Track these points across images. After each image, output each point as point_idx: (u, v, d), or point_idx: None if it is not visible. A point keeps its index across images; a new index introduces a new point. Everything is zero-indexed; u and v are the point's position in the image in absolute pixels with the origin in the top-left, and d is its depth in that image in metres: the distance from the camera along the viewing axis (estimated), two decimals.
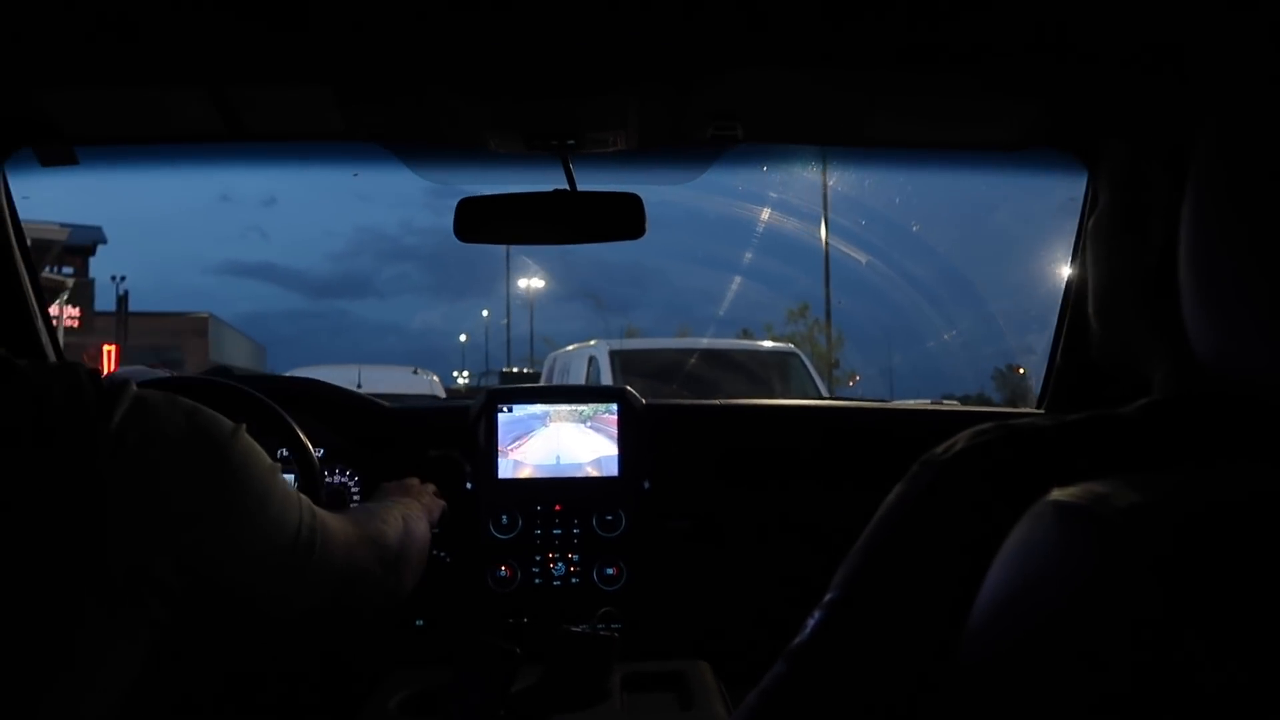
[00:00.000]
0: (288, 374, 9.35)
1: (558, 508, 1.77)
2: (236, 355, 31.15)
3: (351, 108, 1.28)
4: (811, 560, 1.34)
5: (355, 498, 1.74)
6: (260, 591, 0.68)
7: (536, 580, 1.74)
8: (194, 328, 27.81)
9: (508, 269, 29.20)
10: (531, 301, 31.91)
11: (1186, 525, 0.40)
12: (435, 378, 10.88)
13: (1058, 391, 1.71)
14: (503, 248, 28.67)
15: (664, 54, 1.07)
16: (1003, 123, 1.26)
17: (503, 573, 1.74)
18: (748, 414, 2.03)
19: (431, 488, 1.38)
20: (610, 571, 1.74)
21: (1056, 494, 0.44)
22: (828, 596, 0.61)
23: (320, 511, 0.78)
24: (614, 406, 1.79)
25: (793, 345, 10.35)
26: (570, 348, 9.55)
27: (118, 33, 1.01)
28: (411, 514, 1.14)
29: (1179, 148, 0.55)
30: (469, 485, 1.74)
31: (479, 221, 1.50)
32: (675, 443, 1.82)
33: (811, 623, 0.60)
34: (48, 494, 0.57)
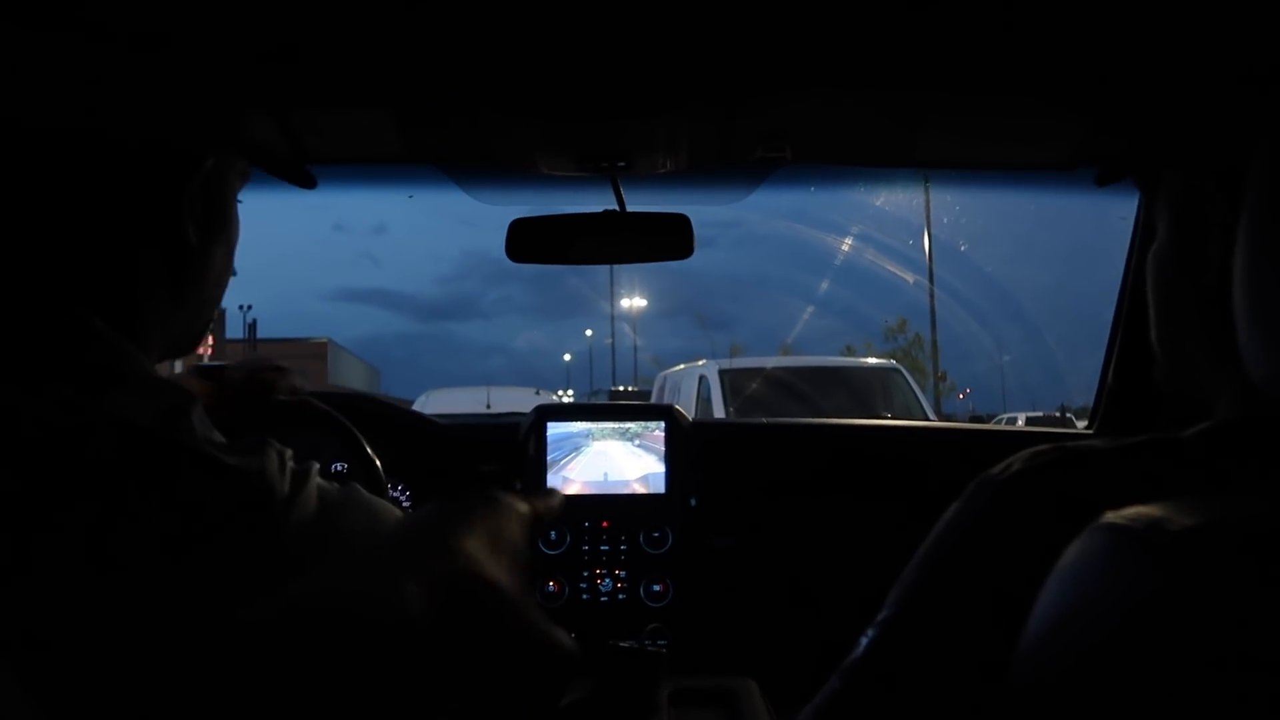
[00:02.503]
0: (420, 399, 9.50)
1: (605, 524, 1.78)
2: (353, 378, 32.48)
3: (409, 130, 1.31)
4: (857, 579, 1.34)
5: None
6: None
7: (584, 596, 1.75)
8: (314, 352, 29.51)
9: (612, 288, 29.21)
10: (634, 320, 31.86)
11: (1241, 550, 0.40)
12: (560, 396, 11.05)
13: (1109, 413, 1.69)
14: (606, 268, 28.96)
15: (715, 76, 1.09)
16: (1053, 144, 1.26)
17: (551, 588, 1.75)
18: (793, 432, 2.03)
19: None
20: (657, 588, 1.75)
21: (1110, 516, 0.45)
22: (882, 614, 0.62)
23: None
24: (661, 424, 1.80)
25: (894, 361, 10.26)
26: (680, 367, 9.82)
27: (187, 60, 1.05)
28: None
29: (1234, 171, 0.55)
30: None
31: (530, 242, 1.53)
32: (722, 460, 1.83)
33: (865, 640, 0.61)
34: (233, 580, 0.56)
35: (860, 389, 7.87)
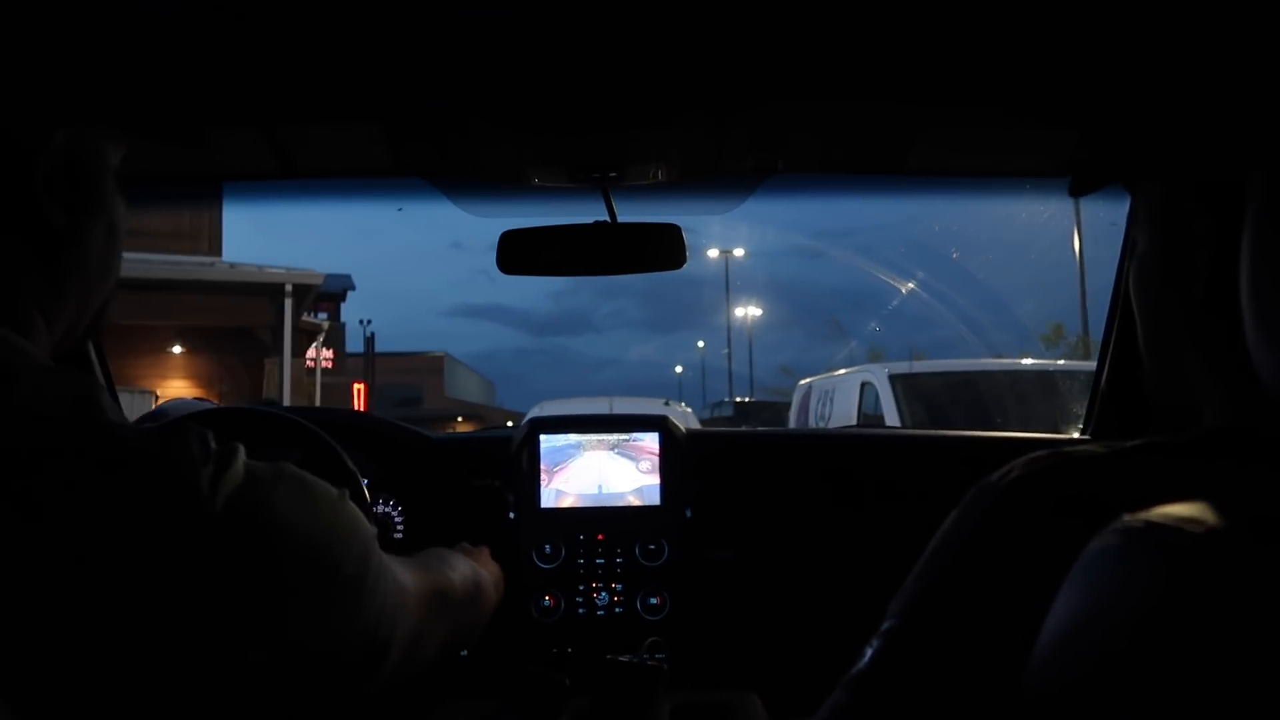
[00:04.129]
0: (534, 410, 8.89)
1: (600, 537, 1.77)
2: (469, 390, 32.84)
3: (398, 144, 1.31)
4: (857, 590, 1.34)
5: (399, 529, 1.75)
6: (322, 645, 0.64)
7: (580, 610, 1.74)
8: (431, 366, 30.00)
9: (728, 296, 28.70)
10: (750, 330, 31.13)
11: (1257, 549, 0.40)
12: (689, 410, 10.09)
13: (1103, 419, 1.69)
14: (722, 278, 28.52)
15: (707, 87, 1.09)
16: (1043, 152, 1.26)
17: (546, 602, 1.74)
18: (788, 442, 2.03)
19: (485, 551, 1.29)
20: (654, 601, 1.74)
21: (1126, 519, 0.44)
22: (885, 625, 0.61)
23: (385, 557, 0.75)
24: (655, 435, 1.80)
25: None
26: (840, 372, 8.74)
27: (172, 75, 1.04)
28: (481, 570, 1.09)
29: (1219, 181, 0.55)
30: (511, 515, 1.75)
31: (522, 253, 1.52)
32: (717, 472, 1.82)
33: (870, 651, 0.60)
34: (163, 567, 0.56)
35: (1065, 396, 6.56)
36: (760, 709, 1.38)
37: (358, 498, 1.35)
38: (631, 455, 1.80)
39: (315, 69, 1.07)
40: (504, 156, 1.34)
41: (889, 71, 1.05)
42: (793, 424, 9.70)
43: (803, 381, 9.92)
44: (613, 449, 1.81)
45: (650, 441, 1.80)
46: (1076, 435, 1.83)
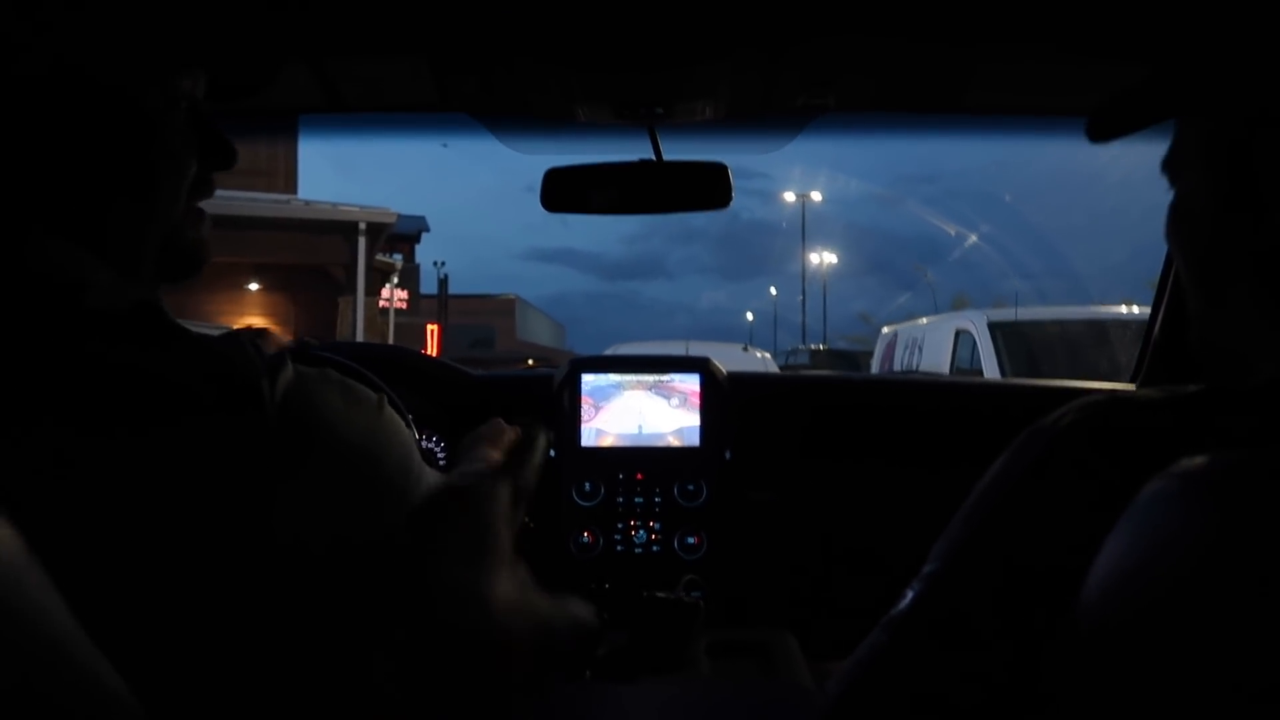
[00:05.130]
0: (610, 351, 8.63)
1: (639, 476, 1.78)
2: (540, 333, 33.21)
3: (444, 78, 1.30)
4: (896, 534, 1.34)
5: (441, 461, 1.78)
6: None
7: (619, 548, 1.76)
8: (503, 308, 30.27)
9: (804, 243, 28.36)
10: (825, 277, 30.41)
11: None
12: (767, 355, 9.78)
13: (1153, 367, 1.66)
14: (798, 222, 28.10)
15: (757, 22, 1.06)
16: (1103, 90, 1.22)
17: (585, 539, 1.76)
18: (830, 386, 2.02)
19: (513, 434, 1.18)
20: (692, 540, 1.76)
21: (1184, 463, 0.44)
22: (927, 568, 0.61)
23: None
24: (696, 377, 1.80)
25: None
26: (924, 320, 8.40)
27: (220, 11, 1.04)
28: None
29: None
30: (552, 453, 1.77)
31: (566, 191, 1.51)
32: (757, 415, 1.82)
33: (911, 594, 0.60)
34: (227, 461, 0.58)
35: None
36: (795, 648, 1.40)
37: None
38: (670, 397, 1.81)
39: (360, 2, 1.06)
40: (550, 93, 1.32)
41: (943, 6, 1.02)
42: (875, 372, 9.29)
43: (886, 329, 9.48)
44: (653, 389, 1.81)
45: (690, 383, 1.80)
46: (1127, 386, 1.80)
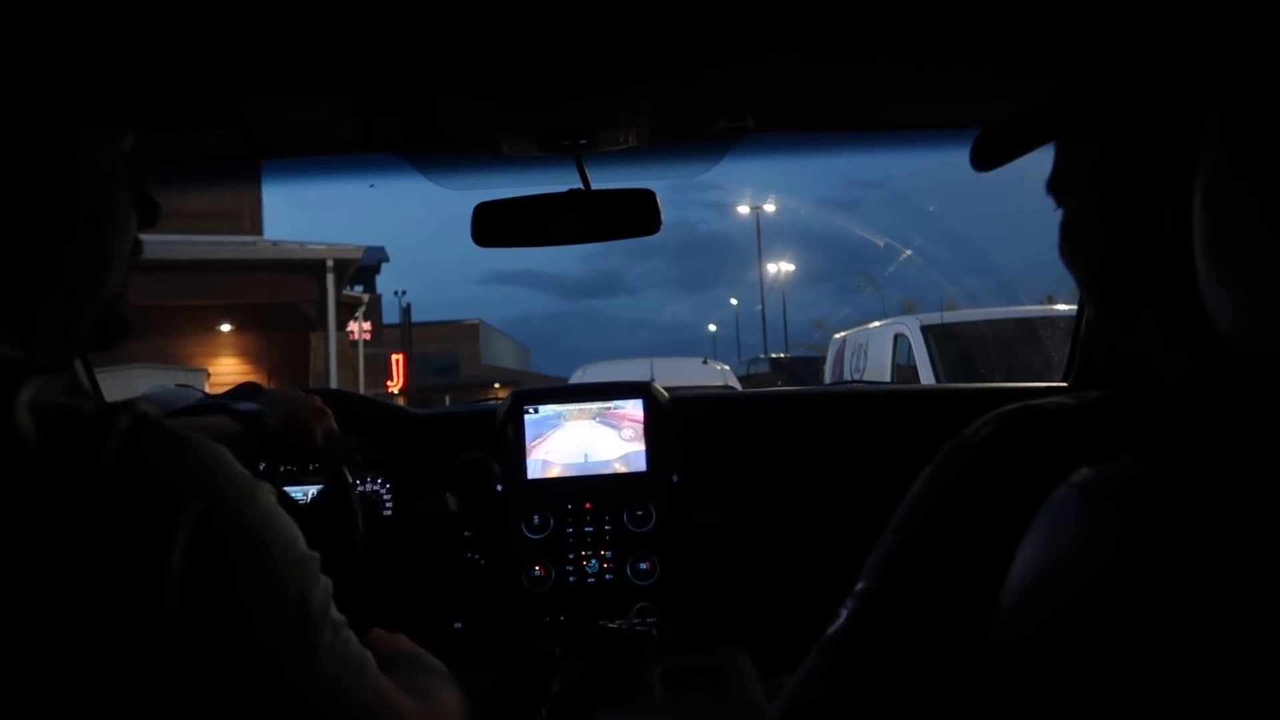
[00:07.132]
0: (576, 373, 8.66)
1: (588, 505, 1.78)
2: (505, 356, 33.06)
3: (365, 119, 1.29)
4: (842, 547, 1.35)
5: (388, 506, 1.75)
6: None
7: (571, 578, 1.75)
8: (467, 334, 30.31)
9: (760, 255, 28.17)
10: (783, 286, 30.30)
11: (1205, 502, 0.41)
12: (726, 367, 9.91)
13: (1083, 367, 1.70)
14: (753, 234, 27.87)
15: (673, 50, 1.07)
16: (1013, 101, 1.26)
17: (537, 572, 1.75)
18: (771, 402, 2.03)
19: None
20: (643, 566, 1.75)
21: (1084, 472, 0.45)
22: (860, 585, 0.61)
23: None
24: (639, 402, 1.80)
25: None
26: (872, 325, 8.72)
27: (143, 57, 1.02)
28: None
29: (1182, 136, 0.54)
30: (499, 487, 1.76)
31: (497, 225, 1.51)
32: (702, 435, 1.83)
33: (845, 612, 0.61)
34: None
35: None
36: (750, 668, 1.40)
37: (343, 495, 1.36)
38: (615, 424, 1.81)
39: (279, 45, 1.05)
40: (472, 129, 1.32)
41: (853, 29, 1.04)
42: (828, 378, 9.71)
43: (836, 335, 9.88)
44: (595, 418, 1.81)
45: (633, 409, 1.80)
46: (1056, 386, 1.84)
